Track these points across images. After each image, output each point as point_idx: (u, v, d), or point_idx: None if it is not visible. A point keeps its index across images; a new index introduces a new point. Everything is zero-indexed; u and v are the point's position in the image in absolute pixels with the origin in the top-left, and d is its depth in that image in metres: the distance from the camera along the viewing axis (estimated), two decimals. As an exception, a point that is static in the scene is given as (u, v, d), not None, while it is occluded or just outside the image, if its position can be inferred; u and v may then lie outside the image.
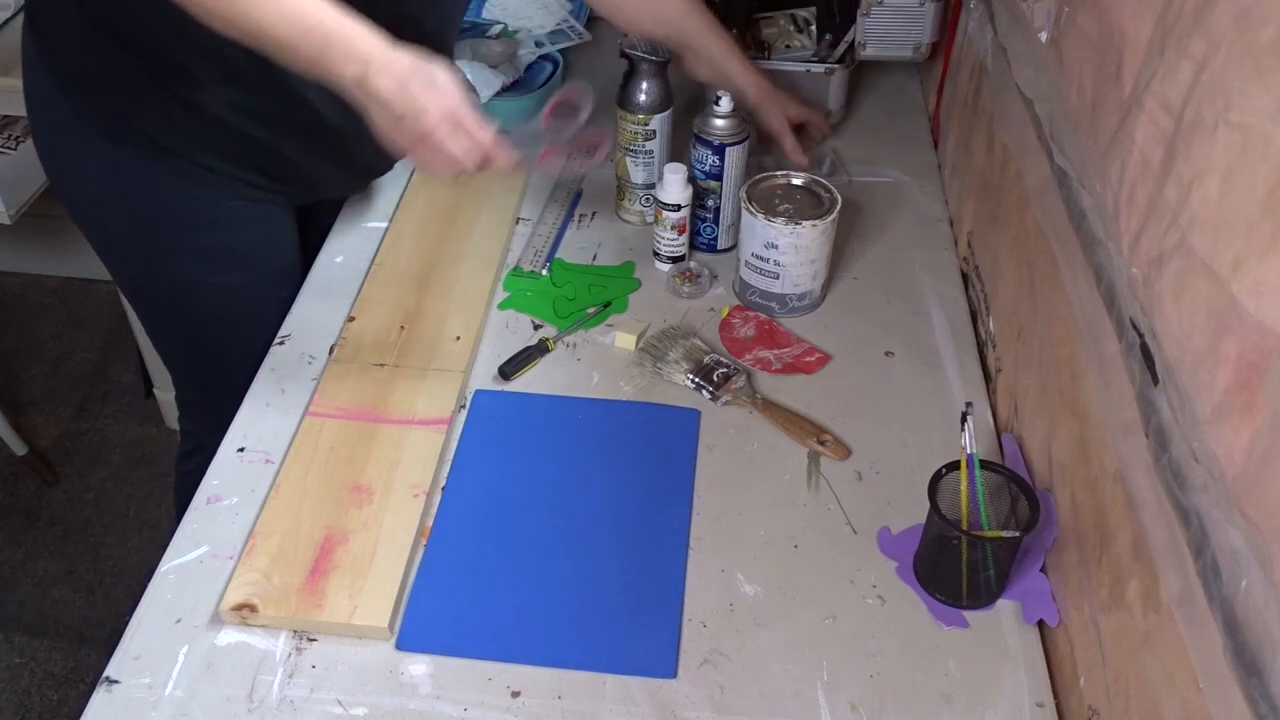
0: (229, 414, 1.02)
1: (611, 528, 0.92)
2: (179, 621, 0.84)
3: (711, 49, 1.24)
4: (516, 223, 1.27)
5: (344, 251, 1.21)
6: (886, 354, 1.10)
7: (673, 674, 0.82)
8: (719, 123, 1.14)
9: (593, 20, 1.64)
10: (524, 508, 0.94)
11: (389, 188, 1.30)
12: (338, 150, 1.06)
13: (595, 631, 0.84)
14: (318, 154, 1.06)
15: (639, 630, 0.84)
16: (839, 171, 1.34)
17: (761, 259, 1.10)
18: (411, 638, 0.83)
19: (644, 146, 1.20)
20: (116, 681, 0.80)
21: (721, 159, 1.15)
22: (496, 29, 1.50)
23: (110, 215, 1.08)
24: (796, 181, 1.13)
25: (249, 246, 1.12)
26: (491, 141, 0.87)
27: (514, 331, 1.12)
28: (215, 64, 0.95)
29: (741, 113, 1.16)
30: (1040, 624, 0.85)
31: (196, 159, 1.02)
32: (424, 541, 0.90)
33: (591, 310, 1.14)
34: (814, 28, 1.44)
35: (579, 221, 1.28)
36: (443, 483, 0.96)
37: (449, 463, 0.97)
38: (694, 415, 1.02)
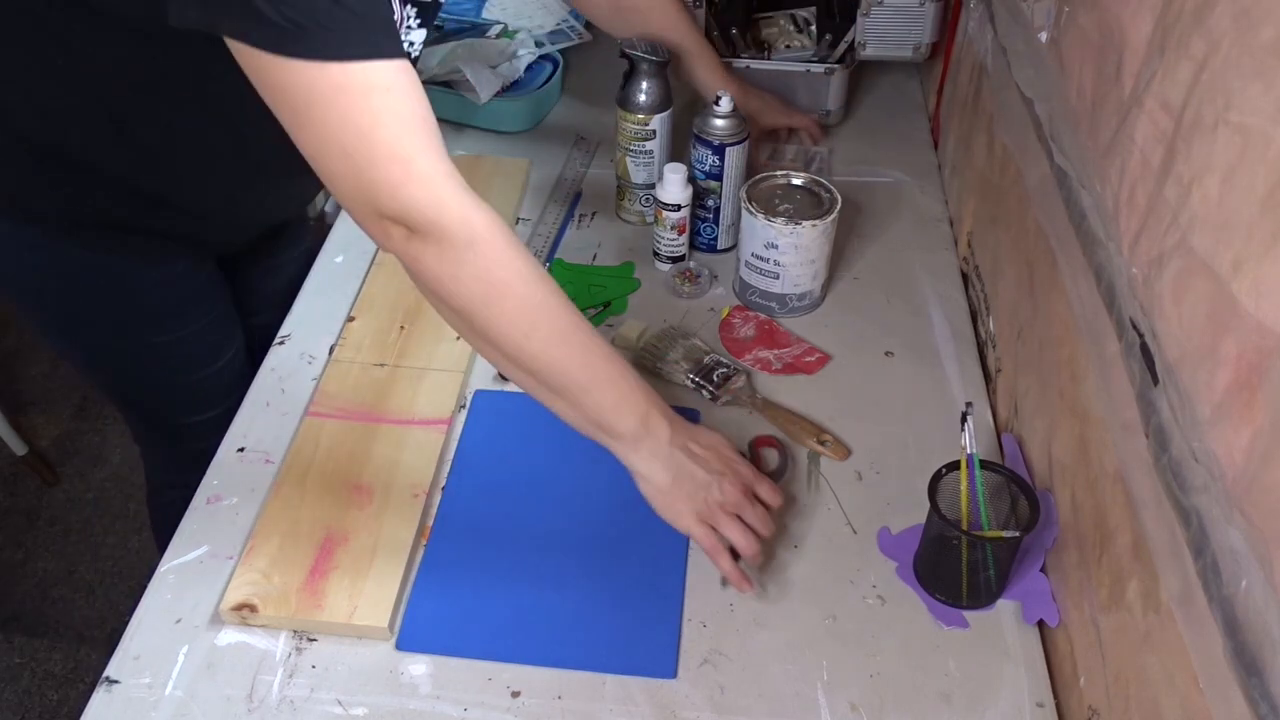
0: (180, 458, 0.98)
1: (611, 527, 0.92)
2: (179, 621, 0.84)
3: (680, 47, 1.21)
4: (516, 223, 1.27)
5: (344, 251, 1.21)
6: (886, 354, 1.10)
7: (673, 674, 0.81)
8: (719, 123, 1.14)
9: (593, 20, 1.64)
10: (524, 508, 0.93)
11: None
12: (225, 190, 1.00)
13: (595, 631, 0.84)
14: (203, 198, 1.00)
15: (639, 630, 0.84)
16: (824, 172, 1.34)
17: (761, 259, 1.10)
18: (411, 638, 0.83)
19: (644, 146, 1.20)
20: (116, 681, 0.80)
21: (721, 159, 1.15)
22: (496, 29, 1.50)
23: (7, 279, 1.04)
24: (796, 181, 1.13)
25: (156, 311, 1.06)
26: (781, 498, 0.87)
27: (514, 331, 1.12)
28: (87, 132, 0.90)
29: (741, 114, 1.16)
30: (1040, 624, 0.85)
31: (80, 227, 0.96)
32: (424, 541, 0.90)
33: (591, 310, 1.14)
34: (814, 28, 1.44)
35: (579, 221, 1.28)
36: (443, 483, 0.96)
37: (449, 463, 0.97)
38: (694, 415, 1.02)
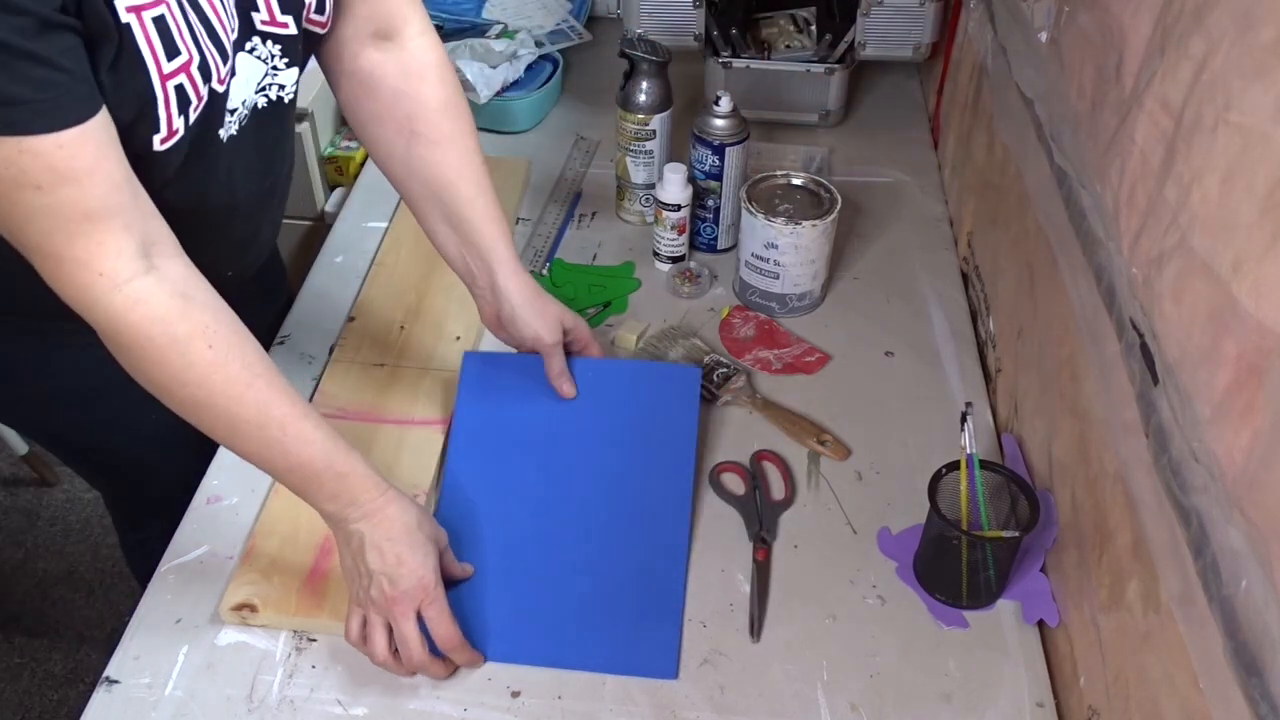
0: (153, 510, 0.94)
1: (611, 525, 0.91)
2: (179, 621, 0.84)
3: (482, 230, 0.93)
4: (516, 222, 1.27)
5: (344, 251, 1.21)
6: (886, 354, 1.10)
7: (674, 674, 0.81)
8: (719, 123, 1.14)
9: (593, 20, 1.64)
10: (523, 504, 0.93)
11: (389, 188, 1.30)
12: None
13: (596, 631, 0.84)
14: None
15: (640, 630, 0.84)
16: (824, 172, 1.34)
17: (761, 259, 1.10)
18: None
19: (644, 146, 1.20)
20: (116, 681, 0.80)
21: (721, 159, 1.15)
22: (496, 29, 1.50)
23: None
24: (796, 181, 1.13)
25: (99, 387, 0.97)
26: (455, 641, 0.80)
27: (514, 331, 1.12)
28: None
29: (741, 114, 1.16)
30: (1040, 624, 0.85)
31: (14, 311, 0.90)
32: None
33: (591, 310, 1.14)
34: (814, 28, 1.44)
35: (579, 221, 1.28)
36: (442, 480, 0.95)
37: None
38: (694, 373, 1.00)
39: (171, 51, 0.69)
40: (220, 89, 0.75)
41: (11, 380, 0.98)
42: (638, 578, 0.88)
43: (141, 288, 0.70)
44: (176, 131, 0.73)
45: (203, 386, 0.73)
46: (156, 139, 0.72)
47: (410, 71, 0.89)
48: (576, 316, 0.98)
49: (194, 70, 0.71)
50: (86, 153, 0.65)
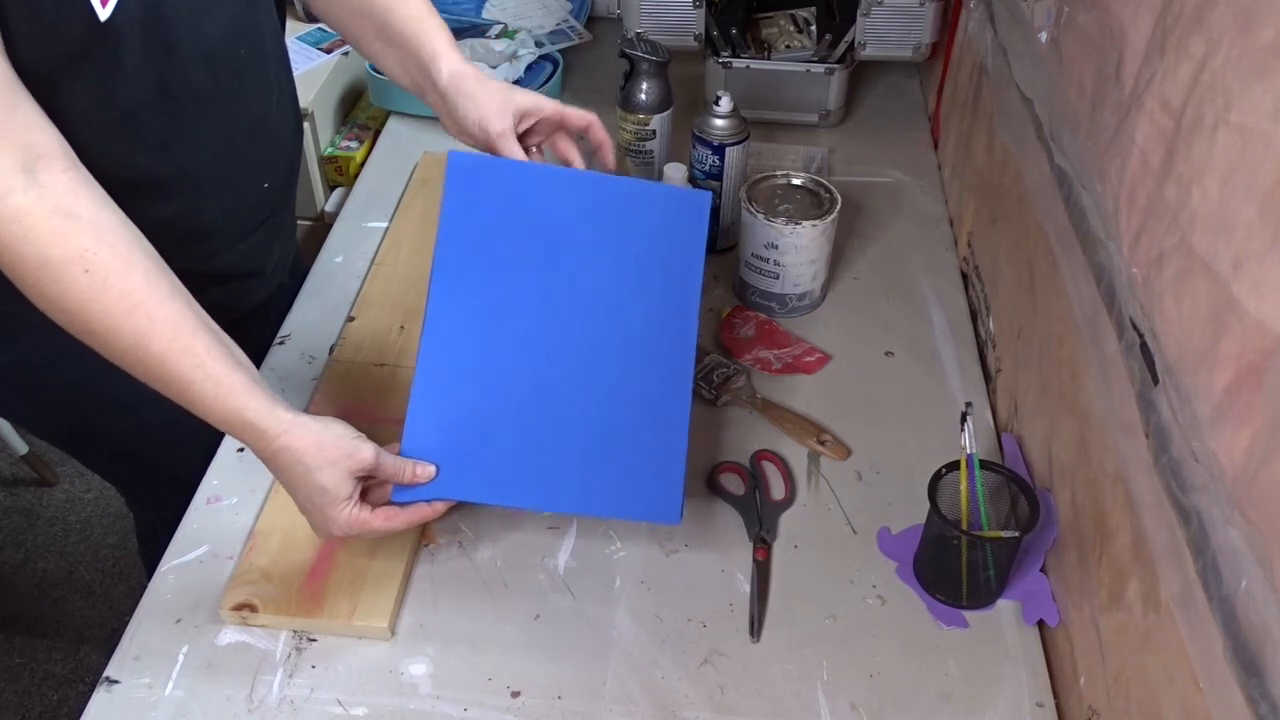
0: (172, 498, 0.94)
1: (612, 338, 0.84)
2: (179, 621, 0.84)
3: (431, 40, 0.89)
4: (516, 223, 1.26)
5: (344, 251, 1.21)
6: (886, 354, 1.10)
7: (677, 519, 0.79)
8: (719, 123, 1.14)
9: (593, 20, 1.64)
10: (513, 326, 0.85)
11: (389, 188, 1.30)
12: None
13: (596, 474, 0.80)
14: None
15: (642, 474, 0.80)
16: (824, 172, 1.34)
17: (761, 259, 1.10)
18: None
19: (644, 146, 1.20)
20: (116, 681, 0.80)
21: (721, 159, 1.15)
22: (496, 29, 1.51)
23: None
24: (796, 181, 1.13)
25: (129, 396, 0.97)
26: (383, 521, 0.79)
27: (514, 331, 1.12)
28: None
29: (741, 114, 1.16)
30: (1040, 624, 0.85)
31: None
32: (425, 542, 0.90)
33: (591, 310, 1.14)
34: (814, 28, 1.44)
35: (579, 221, 1.28)
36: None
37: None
38: (704, 197, 0.90)
39: None
40: None
41: (60, 389, 0.97)
42: (639, 419, 0.82)
43: (17, 205, 0.67)
44: None
45: (79, 314, 0.70)
46: (97, 4, 0.69)
47: None
48: (544, 99, 0.84)
49: None
50: None
